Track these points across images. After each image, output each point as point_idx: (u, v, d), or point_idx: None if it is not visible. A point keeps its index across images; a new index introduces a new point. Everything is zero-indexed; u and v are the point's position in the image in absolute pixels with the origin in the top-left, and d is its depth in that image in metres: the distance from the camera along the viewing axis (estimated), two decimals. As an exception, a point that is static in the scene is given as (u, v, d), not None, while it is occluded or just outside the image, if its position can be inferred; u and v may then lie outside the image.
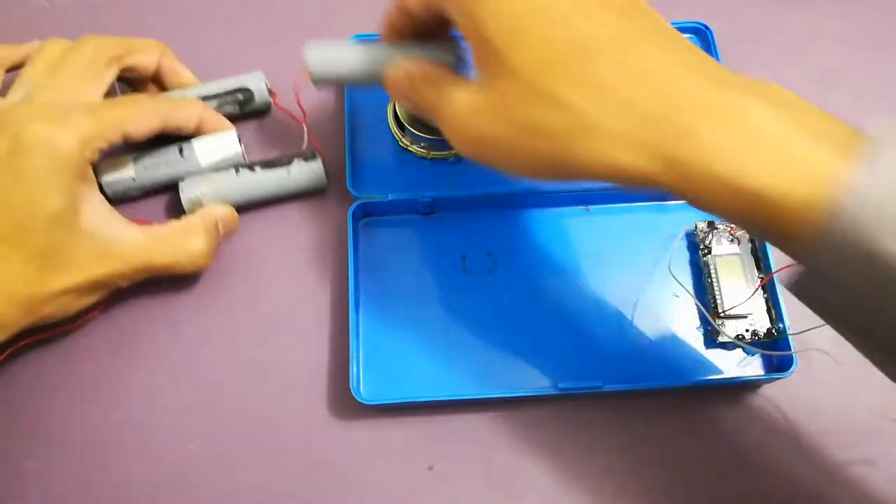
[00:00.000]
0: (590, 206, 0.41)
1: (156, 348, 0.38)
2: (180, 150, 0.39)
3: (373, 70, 0.34)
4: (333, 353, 0.38)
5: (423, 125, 0.41)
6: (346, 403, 0.37)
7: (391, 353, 0.38)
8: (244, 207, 0.40)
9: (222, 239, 0.39)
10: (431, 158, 0.41)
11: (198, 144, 0.39)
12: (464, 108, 0.28)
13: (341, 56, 0.34)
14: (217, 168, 0.39)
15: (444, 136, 0.40)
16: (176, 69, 0.41)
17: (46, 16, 0.47)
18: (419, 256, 0.39)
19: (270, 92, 0.42)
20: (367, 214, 0.41)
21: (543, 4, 0.26)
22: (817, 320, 0.25)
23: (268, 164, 0.39)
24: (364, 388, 0.37)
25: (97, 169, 0.39)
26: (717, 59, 0.44)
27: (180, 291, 0.39)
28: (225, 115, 0.41)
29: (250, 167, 0.39)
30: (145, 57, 0.39)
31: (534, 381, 0.37)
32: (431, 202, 0.40)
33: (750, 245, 0.39)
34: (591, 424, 0.37)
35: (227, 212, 0.38)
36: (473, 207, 0.41)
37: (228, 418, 0.37)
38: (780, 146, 0.23)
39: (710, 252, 0.39)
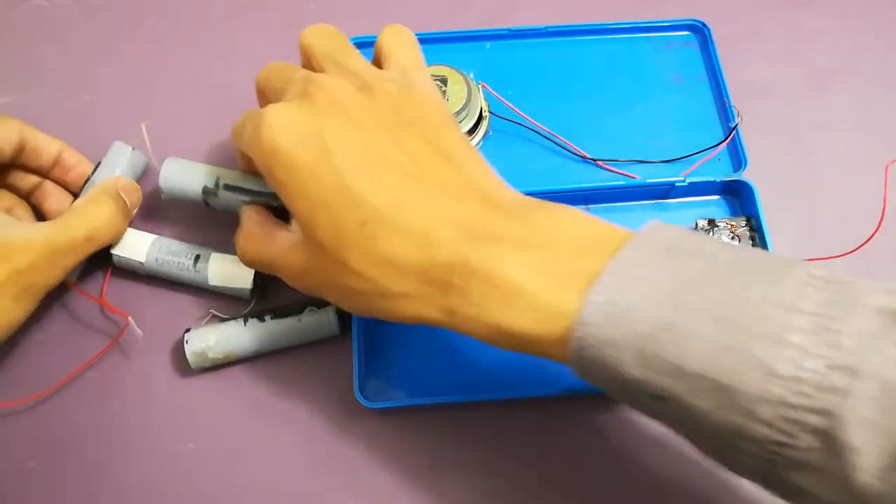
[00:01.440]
0: (590, 206, 0.41)
1: (157, 346, 0.38)
2: (196, 259, 0.38)
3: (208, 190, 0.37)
4: (335, 354, 0.38)
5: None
6: (347, 405, 0.36)
7: (393, 355, 0.38)
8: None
9: (131, 209, 0.38)
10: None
11: (214, 264, 0.38)
12: (296, 266, 0.32)
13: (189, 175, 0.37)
14: (223, 291, 0.38)
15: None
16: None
17: (46, 16, 0.47)
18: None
19: None
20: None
21: (334, 182, 0.29)
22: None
23: (278, 313, 0.37)
24: (368, 392, 0.36)
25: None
26: (716, 58, 0.44)
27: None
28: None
29: (259, 316, 0.37)
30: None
31: (538, 382, 0.37)
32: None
33: (750, 242, 0.39)
34: (591, 424, 0.37)
35: (128, 184, 0.38)
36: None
37: (229, 419, 0.37)
38: (529, 297, 0.26)
39: (711, 250, 0.39)
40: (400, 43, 0.34)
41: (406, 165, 0.29)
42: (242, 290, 0.37)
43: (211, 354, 0.36)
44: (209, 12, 0.47)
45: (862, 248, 0.36)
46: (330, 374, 0.37)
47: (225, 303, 0.39)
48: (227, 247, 0.37)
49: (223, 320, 0.37)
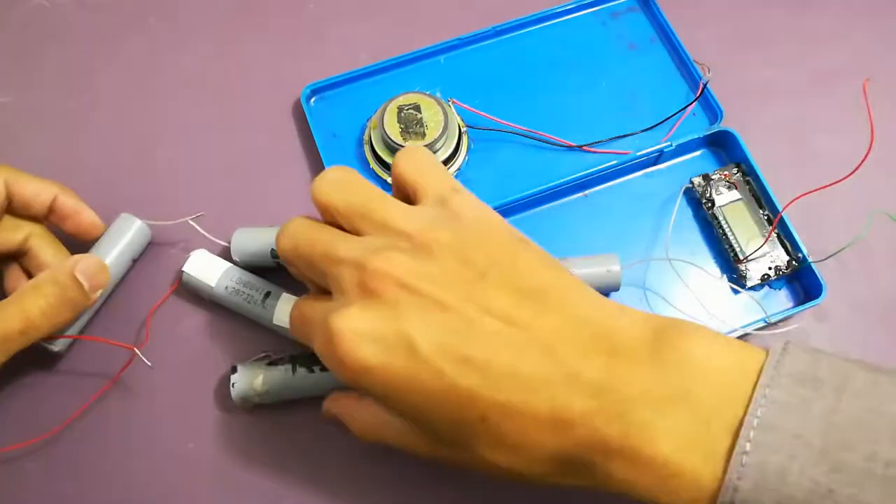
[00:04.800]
0: (588, 192, 0.42)
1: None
2: (266, 295, 0.37)
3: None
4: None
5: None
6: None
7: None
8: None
9: (91, 292, 0.35)
10: (424, 188, 0.41)
11: (284, 304, 0.37)
12: (422, 449, 0.30)
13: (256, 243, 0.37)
14: (284, 333, 0.37)
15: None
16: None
17: (46, 16, 0.47)
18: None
19: None
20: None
21: (438, 385, 0.26)
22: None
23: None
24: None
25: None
26: (663, 17, 0.44)
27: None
28: None
29: (308, 367, 0.36)
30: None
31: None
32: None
33: (748, 187, 0.40)
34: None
35: (90, 265, 0.35)
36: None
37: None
38: (679, 474, 0.24)
39: (713, 204, 0.40)
40: (421, 168, 0.31)
41: (505, 331, 0.26)
42: None
43: (257, 400, 0.36)
44: (209, 12, 0.47)
45: (858, 169, 0.36)
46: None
47: (278, 342, 0.38)
48: (294, 289, 0.37)
49: (272, 361, 0.36)
